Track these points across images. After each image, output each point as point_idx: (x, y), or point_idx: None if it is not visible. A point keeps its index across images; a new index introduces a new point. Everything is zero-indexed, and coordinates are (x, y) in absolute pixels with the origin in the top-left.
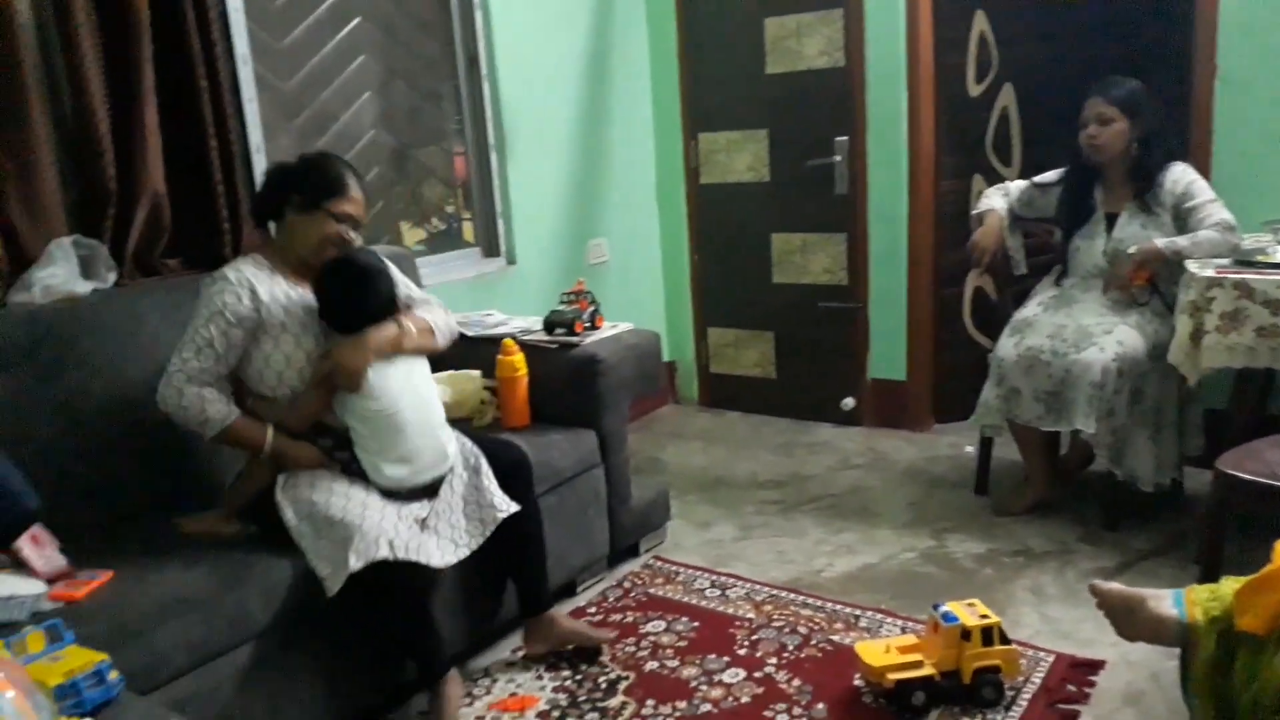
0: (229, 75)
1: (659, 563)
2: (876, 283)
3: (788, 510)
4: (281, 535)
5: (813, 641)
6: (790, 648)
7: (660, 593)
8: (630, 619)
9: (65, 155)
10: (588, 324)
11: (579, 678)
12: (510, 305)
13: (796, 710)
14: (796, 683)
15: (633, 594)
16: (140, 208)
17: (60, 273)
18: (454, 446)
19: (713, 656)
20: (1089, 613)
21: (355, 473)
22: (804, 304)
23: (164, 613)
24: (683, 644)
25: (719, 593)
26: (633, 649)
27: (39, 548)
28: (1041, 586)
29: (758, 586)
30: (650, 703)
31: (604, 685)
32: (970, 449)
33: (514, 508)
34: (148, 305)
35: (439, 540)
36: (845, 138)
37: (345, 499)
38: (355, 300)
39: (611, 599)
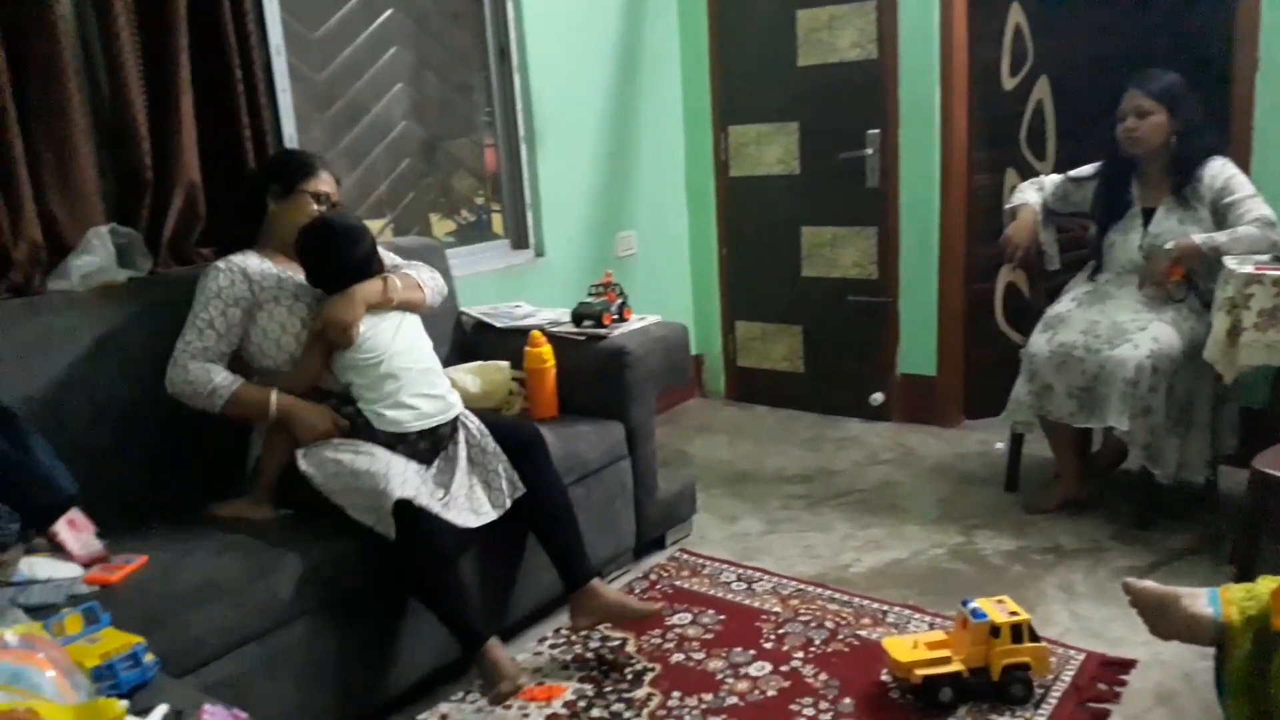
0: (263, 66)
1: (685, 555)
2: (907, 277)
3: (815, 505)
4: (317, 509)
5: (839, 636)
6: (817, 642)
7: (686, 585)
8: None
9: (103, 145)
10: (616, 316)
11: (605, 668)
12: (539, 297)
13: (823, 704)
14: (823, 677)
15: (659, 586)
16: (176, 197)
17: (98, 260)
18: (456, 396)
19: (739, 650)
20: (1120, 611)
21: (364, 433)
22: (833, 298)
23: (197, 597)
24: (709, 636)
25: (745, 586)
26: (659, 641)
27: (76, 532)
28: (1072, 584)
29: (784, 580)
30: (676, 694)
31: (630, 676)
32: (1000, 445)
33: (520, 490)
34: (182, 293)
35: (458, 509)
36: (877, 131)
37: (368, 456)
38: (338, 256)
39: (638, 591)
